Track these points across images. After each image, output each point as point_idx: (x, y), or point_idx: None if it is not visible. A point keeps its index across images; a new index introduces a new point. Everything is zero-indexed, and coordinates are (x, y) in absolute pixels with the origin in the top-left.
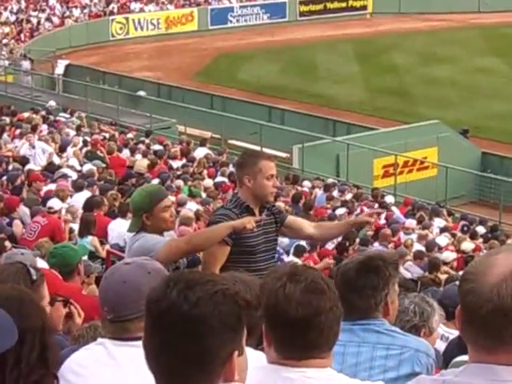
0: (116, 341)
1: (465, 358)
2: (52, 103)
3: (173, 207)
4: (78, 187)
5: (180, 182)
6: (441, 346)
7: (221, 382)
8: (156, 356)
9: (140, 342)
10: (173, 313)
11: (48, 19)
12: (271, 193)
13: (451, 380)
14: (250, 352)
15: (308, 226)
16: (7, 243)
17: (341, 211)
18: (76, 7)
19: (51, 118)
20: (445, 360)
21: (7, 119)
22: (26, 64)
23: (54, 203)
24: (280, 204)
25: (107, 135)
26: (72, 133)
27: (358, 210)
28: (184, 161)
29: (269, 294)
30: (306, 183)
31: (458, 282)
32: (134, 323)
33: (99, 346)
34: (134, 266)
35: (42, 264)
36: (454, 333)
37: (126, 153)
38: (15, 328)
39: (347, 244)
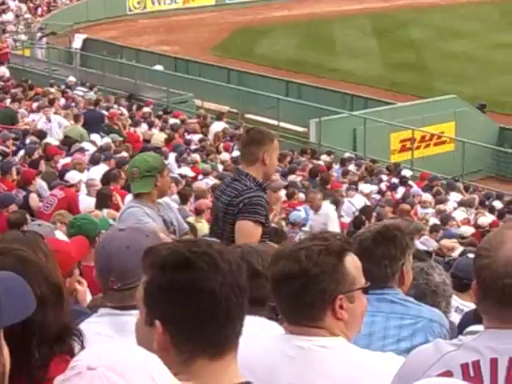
0: (118, 310)
1: (478, 327)
2: (72, 79)
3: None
4: (94, 161)
5: (196, 156)
6: (455, 317)
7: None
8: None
9: None
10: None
11: None
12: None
13: (468, 343)
14: (264, 322)
15: None
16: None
17: (365, 187)
18: None
19: (69, 92)
20: (459, 332)
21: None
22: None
23: (72, 176)
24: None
25: (124, 110)
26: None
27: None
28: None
29: None
30: (324, 157)
31: (469, 255)
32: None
33: (103, 318)
34: (131, 231)
35: (60, 236)
36: (467, 305)
37: (143, 127)
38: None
39: (363, 218)
